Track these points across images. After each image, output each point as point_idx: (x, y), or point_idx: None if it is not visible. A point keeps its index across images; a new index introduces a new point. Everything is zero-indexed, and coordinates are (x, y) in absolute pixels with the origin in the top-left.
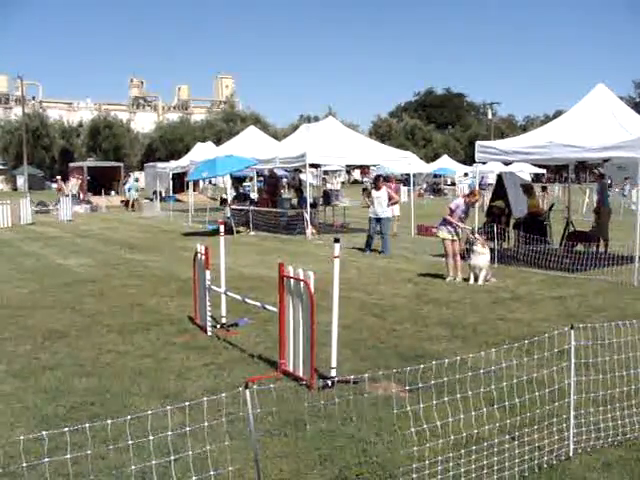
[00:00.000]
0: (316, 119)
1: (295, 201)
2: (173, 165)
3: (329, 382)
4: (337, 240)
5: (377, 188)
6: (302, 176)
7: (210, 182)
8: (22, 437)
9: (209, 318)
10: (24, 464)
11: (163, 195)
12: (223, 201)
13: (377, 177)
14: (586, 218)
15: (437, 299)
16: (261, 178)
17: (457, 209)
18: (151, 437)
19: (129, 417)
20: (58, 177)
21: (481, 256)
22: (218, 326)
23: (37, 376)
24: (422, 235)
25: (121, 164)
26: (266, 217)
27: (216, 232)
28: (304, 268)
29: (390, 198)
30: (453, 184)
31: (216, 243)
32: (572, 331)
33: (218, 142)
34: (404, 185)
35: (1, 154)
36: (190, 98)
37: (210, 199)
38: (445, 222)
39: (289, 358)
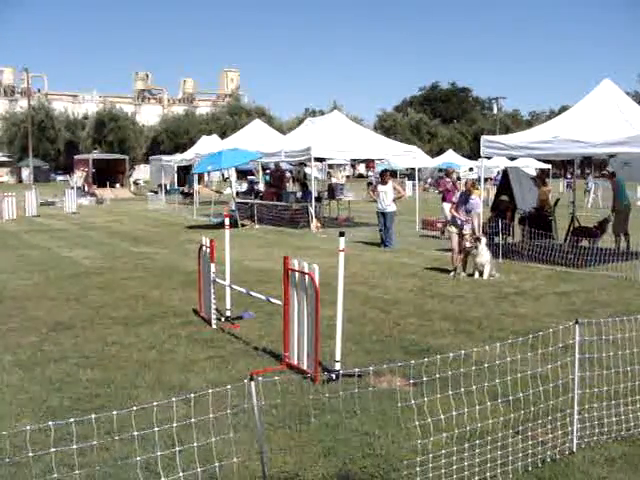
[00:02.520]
0: (321, 113)
1: (300, 195)
2: (178, 158)
3: (333, 375)
4: (342, 234)
5: (383, 182)
6: (307, 170)
7: (223, 176)
8: (28, 427)
9: (214, 311)
10: (30, 454)
11: (168, 188)
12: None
13: (384, 171)
14: (590, 214)
15: (442, 293)
16: (268, 171)
17: (459, 202)
18: (156, 428)
19: (134, 408)
20: None
21: (483, 254)
22: (222, 319)
23: (43, 367)
24: (427, 229)
25: (126, 157)
26: (271, 211)
27: (221, 225)
28: (308, 262)
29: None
30: (458, 179)
31: (221, 236)
32: (576, 326)
33: (223, 135)
34: (409, 179)
35: (6, 146)
36: (195, 91)
37: (215, 192)
38: (453, 217)
39: (293, 351)
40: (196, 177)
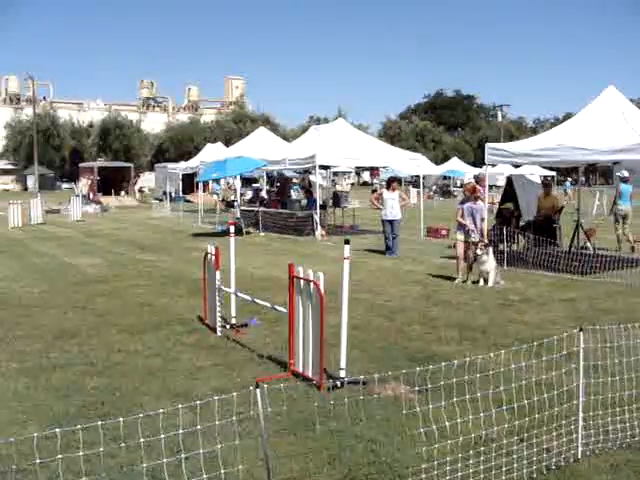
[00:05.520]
0: (326, 120)
1: (304, 202)
2: (183, 166)
3: (338, 383)
4: (347, 241)
5: (391, 190)
6: (312, 177)
7: (228, 184)
8: (34, 434)
9: (219, 318)
10: (37, 461)
11: (173, 196)
12: (229, 203)
13: (391, 179)
14: (596, 221)
15: (446, 301)
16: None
17: (464, 209)
18: (162, 436)
19: (140, 415)
20: None
21: (488, 261)
22: (228, 326)
23: (48, 375)
24: (431, 237)
25: (131, 165)
26: (275, 218)
27: (225, 233)
28: (313, 269)
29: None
30: (462, 186)
31: (226, 244)
32: (581, 333)
33: (228, 143)
34: (413, 187)
35: (12, 154)
36: (200, 99)
37: (220, 201)
38: (459, 224)
39: (299, 358)
40: (201, 185)
